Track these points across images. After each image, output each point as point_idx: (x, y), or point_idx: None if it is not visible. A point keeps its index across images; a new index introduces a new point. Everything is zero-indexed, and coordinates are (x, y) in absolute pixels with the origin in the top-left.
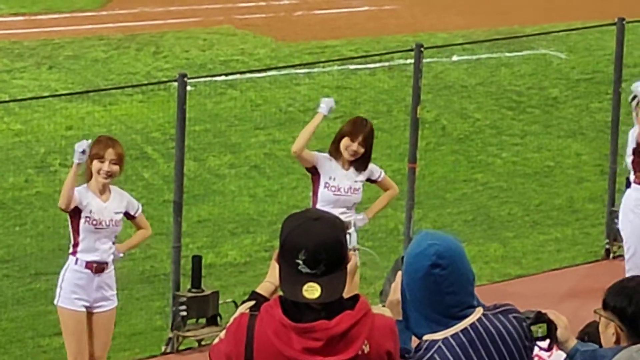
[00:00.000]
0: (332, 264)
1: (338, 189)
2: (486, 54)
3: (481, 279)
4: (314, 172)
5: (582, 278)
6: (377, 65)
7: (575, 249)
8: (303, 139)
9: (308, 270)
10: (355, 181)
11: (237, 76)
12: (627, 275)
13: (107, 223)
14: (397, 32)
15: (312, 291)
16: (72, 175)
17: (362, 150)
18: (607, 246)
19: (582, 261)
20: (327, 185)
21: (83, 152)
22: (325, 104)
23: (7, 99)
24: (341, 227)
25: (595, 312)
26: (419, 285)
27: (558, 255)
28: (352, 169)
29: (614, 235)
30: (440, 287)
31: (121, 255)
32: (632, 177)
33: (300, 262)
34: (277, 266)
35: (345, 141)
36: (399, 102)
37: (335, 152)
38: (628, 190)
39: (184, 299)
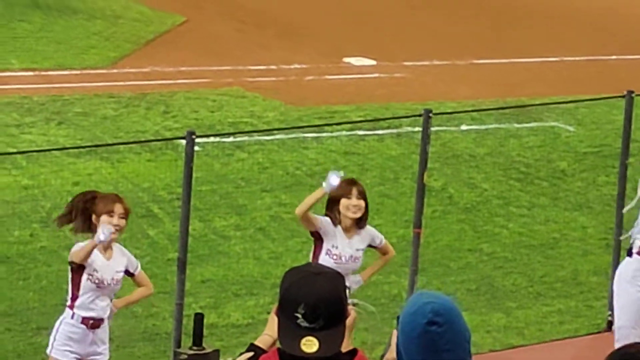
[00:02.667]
0: (331, 318)
1: (339, 257)
2: (495, 124)
3: (483, 348)
4: (317, 237)
5: (584, 349)
6: (386, 131)
7: (578, 320)
8: (306, 205)
9: (307, 324)
10: (357, 249)
11: (245, 138)
12: (616, 345)
13: (109, 282)
14: (406, 99)
15: (310, 345)
16: (91, 248)
17: (362, 203)
18: (610, 318)
19: (585, 333)
20: (329, 252)
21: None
22: (329, 182)
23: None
24: (341, 283)
25: None
26: (415, 344)
27: (561, 326)
28: (354, 238)
29: None
30: (437, 345)
31: (115, 310)
32: (635, 248)
33: (299, 315)
34: (276, 319)
35: (344, 202)
36: (406, 170)
37: (335, 219)
38: (627, 259)
39: (185, 356)
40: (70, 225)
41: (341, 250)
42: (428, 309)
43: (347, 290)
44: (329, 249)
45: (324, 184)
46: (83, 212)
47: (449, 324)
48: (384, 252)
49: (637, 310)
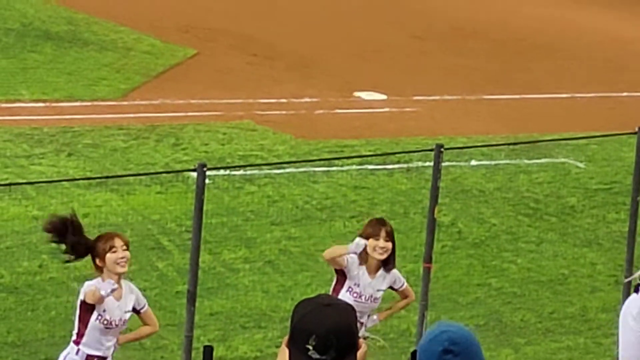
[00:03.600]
0: (342, 350)
1: (360, 296)
2: (505, 160)
3: None
4: (341, 273)
5: None
6: (396, 166)
7: (587, 357)
8: (334, 254)
9: (318, 356)
10: (378, 290)
11: (255, 171)
12: None
13: (117, 323)
14: (416, 134)
15: None
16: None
17: (390, 245)
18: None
19: None
20: (350, 290)
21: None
22: (355, 246)
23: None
24: (352, 314)
25: None
26: None
27: None
28: (376, 278)
29: None
30: None
31: (118, 346)
32: None
33: (310, 347)
34: (286, 351)
35: (371, 242)
36: (416, 205)
37: (362, 258)
38: (633, 296)
39: None
40: (62, 246)
41: (362, 289)
42: (445, 337)
43: (363, 327)
44: (350, 287)
45: (350, 247)
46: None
47: (465, 354)
48: (404, 295)
49: None
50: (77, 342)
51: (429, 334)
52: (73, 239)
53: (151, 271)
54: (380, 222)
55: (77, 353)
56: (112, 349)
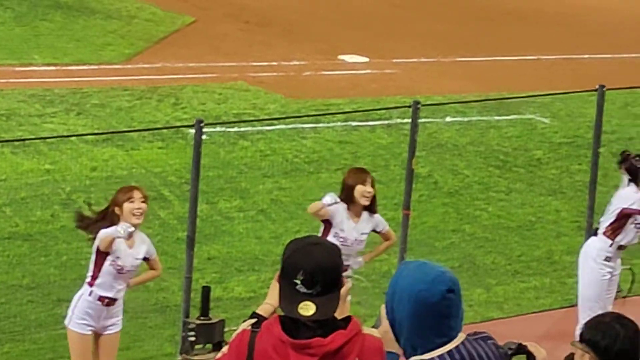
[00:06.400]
0: (327, 285)
1: (346, 240)
2: (477, 117)
3: (465, 321)
4: (327, 222)
5: (558, 321)
6: (377, 122)
7: (552, 296)
8: (314, 210)
9: (305, 290)
10: (362, 233)
11: (249, 128)
12: (581, 316)
13: (129, 269)
14: (396, 93)
15: (307, 309)
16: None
17: (373, 191)
18: None
19: (558, 307)
20: (337, 235)
21: (124, 233)
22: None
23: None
24: (338, 254)
25: (572, 344)
26: (427, 311)
27: (536, 301)
28: (360, 222)
29: None
30: (450, 310)
31: (128, 288)
32: (601, 229)
33: (298, 282)
34: (277, 287)
35: (359, 188)
36: (396, 157)
37: (348, 202)
38: (592, 239)
39: (193, 325)
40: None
41: (347, 234)
42: (447, 278)
43: (349, 270)
44: (336, 232)
45: (323, 199)
46: (102, 220)
47: (459, 292)
48: (386, 238)
49: (601, 285)
50: (90, 284)
51: (426, 275)
52: (96, 222)
53: (154, 219)
54: (364, 170)
55: (90, 294)
56: (122, 292)
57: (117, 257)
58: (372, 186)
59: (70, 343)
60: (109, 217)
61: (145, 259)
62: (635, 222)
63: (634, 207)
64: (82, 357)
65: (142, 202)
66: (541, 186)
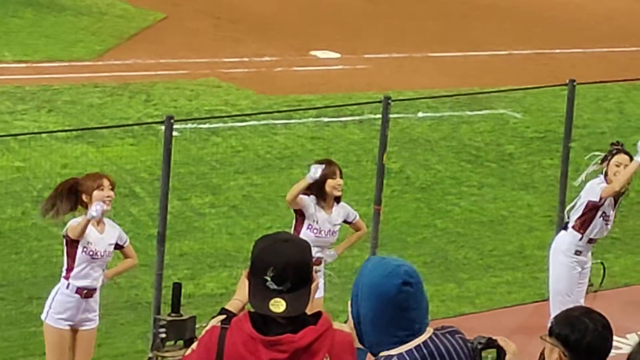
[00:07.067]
0: (297, 282)
1: (320, 232)
2: (449, 112)
3: (437, 316)
4: (299, 214)
5: (530, 316)
6: (349, 118)
7: (525, 290)
8: (295, 193)
9: (275, 287)
10: (335, 224)
11: (220, 124)
12: (552, 310)
13: (102, 253)
14: (367, 89)
15: (278, 305)
16: (85, 224)
17: (342, 181)
18: None
19: (530, 301)
20: (310, 227)
21: (98, 210)
22: (313, 173)
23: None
24: (308, 250)
25: (541, 338)
26: (385, 305)
27: (509, 296)
28: (332, 214)
29: None
30: (408, 303)
31: (107, 281)
32: (571, 222)
33: (268, 278)
34: (246, 283)
35: (330, 182)
36: (368, 153)
37: (320, 196)
38: (562, 232)
39: (164, 322)
40: (51, 214)
41: (321, 225)
42: (402, 270)
43: (323, 263)
44: (310, 224)
45: (307, 176)
46: (68, 195)
47: (418, 285)
48: (356, 228)
49: (571, 279)
50: (66, 277)
51: (382, 269)
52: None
53: (125, 216)
54: (331, 162)
55: (67, 287)
56: (100, 281)
57: (89, 243)
58: (341, 176)
59: (46, 338)
60: (75, 203)
61: (118, 247)
62: (604, 215)
63: (595, 199)
64: (58, 352)
65: (111, 189)
66: (513, 181)
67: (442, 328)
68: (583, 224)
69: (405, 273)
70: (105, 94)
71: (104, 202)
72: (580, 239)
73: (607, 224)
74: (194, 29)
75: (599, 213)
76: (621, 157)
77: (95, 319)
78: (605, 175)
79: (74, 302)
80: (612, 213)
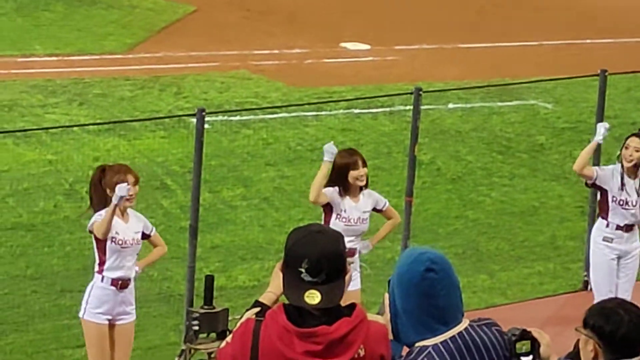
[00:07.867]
0: (332, 273)
1: (349, 220)
2: (479, 103)
3: (469, 307)
4: (327, 207)
5: (562, 307)
6: (379, 110)
7: (557, 281)
8: (317, 190)
9: (310, 279)
10: (364, 212)
11: (251, 116)
12: (596, 298)
13: (131, 242)
14: (397, 80)
15: (312, 297)
16: (112, 212)
17: (366, 169)
18: (586, 279)
19: (562, 292)
20: (339, 216)
21: (123, 191)
22: (328, 152)
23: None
24: (341, 241)
25: (576, 329)
26: (413, 292)
27: (540, 287)
28: (360, 201)
29: None
30: (435, 289)
31: (140, 271)
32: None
33: (303, 270)
34: (280, 276)
35: (353, 173)
36: (398, 145)
37: (343, 187)
38: (597, 223)
39: (197, 314)
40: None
41: (349, 213)
42: (425, 257)
43: (357, 254)
44: (338, 214)
45: (325, 158)
46: (97, 188)
47: (444, 272)
48: (388, 216)
49: (604, 268)
50: (100, 271)
51: (407, 258)
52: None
53: (157, 209)
54: (353, 152)
55: (102, 280)
56: (133, 271)
57: (117, 232)
58: (364, 165)
59: (86, 334)
60: (103, 201)
61: (145, 237)
62: (614, 199)
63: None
64: (99, 347)
65: (134, 185)
66: (544, 171)
67: (479, 320)
68: (602, 210)
69: (429, 259)
70: (136, 87)
71: (127, 199)
72: (607, 226)
73: (625, 209)
74: (224, 21)
75: (610, 197)
76: (631, 140)
77: (132, 312)
78: (621, 160)
79: (110, 295)
80: (631, 198)
